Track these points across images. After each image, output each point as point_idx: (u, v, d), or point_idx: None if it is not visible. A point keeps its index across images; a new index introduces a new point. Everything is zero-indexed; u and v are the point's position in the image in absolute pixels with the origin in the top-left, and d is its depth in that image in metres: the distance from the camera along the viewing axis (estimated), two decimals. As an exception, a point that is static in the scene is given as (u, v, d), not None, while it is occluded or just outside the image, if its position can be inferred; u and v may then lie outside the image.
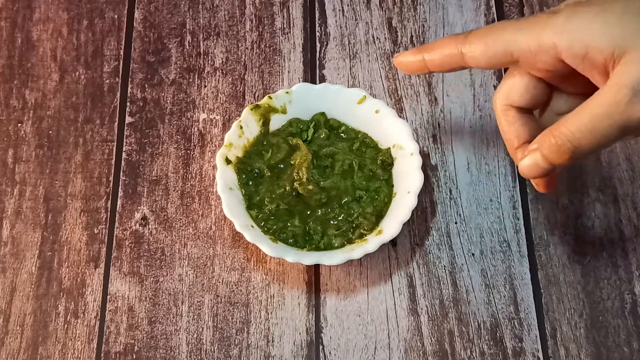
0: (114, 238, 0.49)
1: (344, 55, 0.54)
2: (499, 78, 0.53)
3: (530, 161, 0.36)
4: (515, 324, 0.46)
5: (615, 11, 0.32)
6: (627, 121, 0.32)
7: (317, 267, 0.48)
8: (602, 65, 0.33)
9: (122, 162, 0.51)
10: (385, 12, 0.55)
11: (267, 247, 0.44)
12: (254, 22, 0.55)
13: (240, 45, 0.55)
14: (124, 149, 0.51)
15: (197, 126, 0.52)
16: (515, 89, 0.39)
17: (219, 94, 0.53)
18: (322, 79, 0.53)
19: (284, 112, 0.49)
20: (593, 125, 0.33)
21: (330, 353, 0.46)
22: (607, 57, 0.32)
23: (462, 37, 0.38)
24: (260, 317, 0.47)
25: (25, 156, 0.51)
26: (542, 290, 0.47)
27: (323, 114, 0.50)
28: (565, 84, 0.39)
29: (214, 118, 0.52)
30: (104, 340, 0.46)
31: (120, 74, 0.54)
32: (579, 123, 0.33)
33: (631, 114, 0.32)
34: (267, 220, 0.47)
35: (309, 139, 0.49)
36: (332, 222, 0.47)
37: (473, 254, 0.48)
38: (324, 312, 0.47)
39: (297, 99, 0.49)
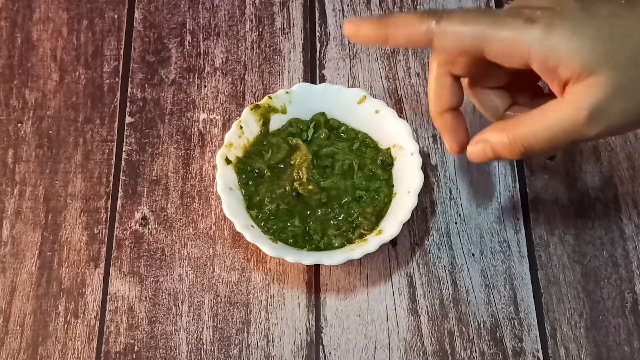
0: (114, 238, 0.49)
1: (344, 55, 0.54)
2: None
3: (478, 149, 0.39)
4: (515, 324, 0.46)
5: (589, 33, 0.34)
6: (580, 137, 0.35)
7: (317, 267, 0.48)
8: (565, 79, 0.35)
9: (122, 162, 0.51)
10: (385, 12, 0.55)
11: (267, 247, 0.44)
12: (254, 22, 0.55)
13: (240, 45, 0.55)
14: (124, 149, 0.51)
15: (197, 126, 0.52)
16: (460, 62, 0.40)
17: (219, 94, 0.53)
18: (322, 79, 0.53)
19: (284, 112, 0.49)
20: (548, 136, 0.36)
21: (330, 353, 0.46)
22: (573, 75, 0.34)
23: (433, 23, 0.37)
24: (260, 317, 0.47)
25: (25, 156, 0.51)
26: (542, 290, 0.47)
27: (323, 114, 0.50)
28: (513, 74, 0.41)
29: (214, 118, 0.52)
30: (104, 340, 0.46)
31: (120, 74, 0.54)
32: (534, 130, 0.36)
33: (585, 133, 0.35)
34: (267, 220, 0.47)
35: (309, 139, 0.49)
36: (332, 222, 0.47)
37: (473, 254, 0.48)
38: (324, 312, 0.47)
39: (297, 99, 0.49)
